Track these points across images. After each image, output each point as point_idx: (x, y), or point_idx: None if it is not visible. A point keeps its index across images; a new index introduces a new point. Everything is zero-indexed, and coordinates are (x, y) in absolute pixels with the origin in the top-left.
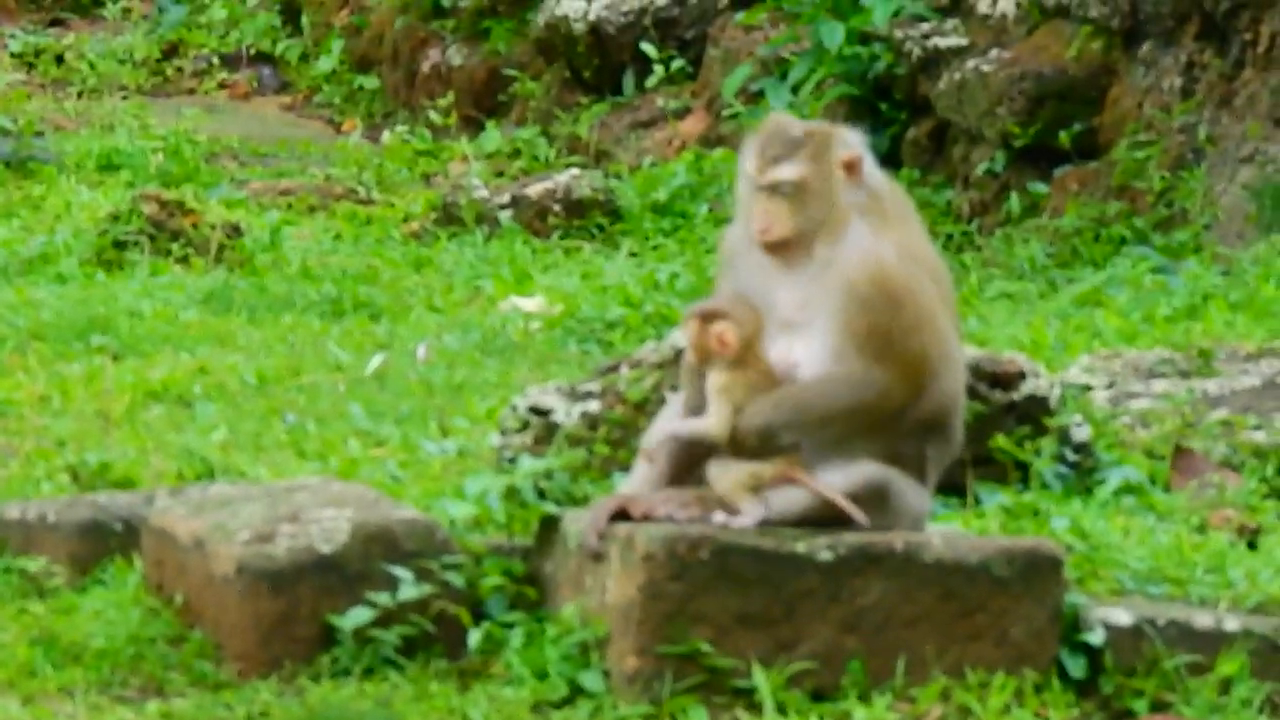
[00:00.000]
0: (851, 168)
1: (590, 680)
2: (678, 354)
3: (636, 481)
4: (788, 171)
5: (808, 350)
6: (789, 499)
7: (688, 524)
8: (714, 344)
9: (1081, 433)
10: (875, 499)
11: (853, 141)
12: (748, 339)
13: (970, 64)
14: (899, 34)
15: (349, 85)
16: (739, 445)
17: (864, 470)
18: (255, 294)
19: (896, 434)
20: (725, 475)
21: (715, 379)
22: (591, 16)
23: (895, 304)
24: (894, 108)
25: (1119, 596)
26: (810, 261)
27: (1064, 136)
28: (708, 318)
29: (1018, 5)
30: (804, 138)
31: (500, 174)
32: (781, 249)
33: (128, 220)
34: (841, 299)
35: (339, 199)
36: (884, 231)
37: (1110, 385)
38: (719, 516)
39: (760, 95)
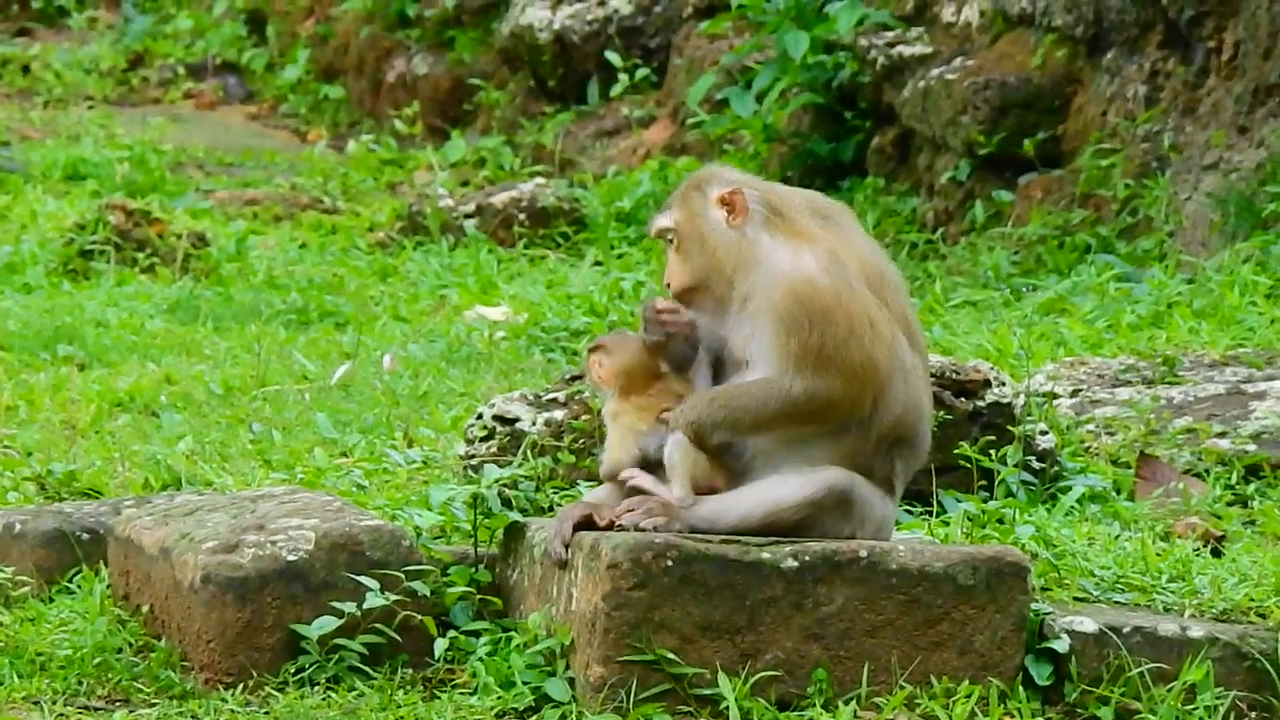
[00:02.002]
0: (730, 204)
1: (555, 689)
2: None
3: (602, 490)
4: (661, 221)
5: (758, 371)
6: (751, 506)
7: (652, 532)
8: (594, 374)
9: (1046, 440)
10: (838, 505)
11: (731, 178)
12: (623, 368)
13: (934, 72)
14: (863, 42)
15: (314, 95)
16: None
17: (827, 476)
18: (221, 303)
19: (863, 442)
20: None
21: (606, 407)
22: (556, 26)
23: (824, 317)
24: (858, 116)
25: (1084, 604)
26: (734, 299)
27: (1028, 145)
28: (592, 350)
29: (982, 14)
30: (681, 187)
31: (465, 183)
32: (694, 296)
33: (94, 230)
34: (770, 326)
35: (304, 208)
36: (804, 248)
37: (1075, 393)
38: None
39: (725, 104)
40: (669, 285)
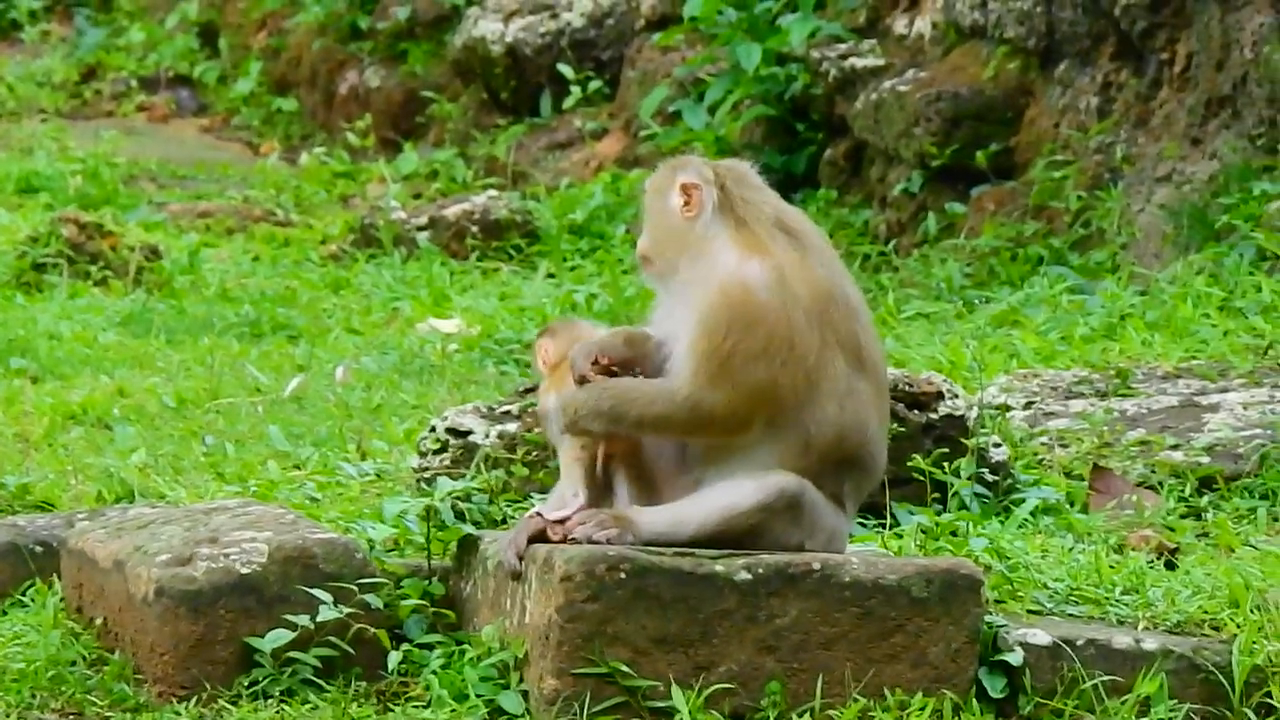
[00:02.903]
0: (687, 196)
1: (509, 701)
2: None
3: (555, 502)
4: (646, 184)
5: (673, 365)
6: (705, 514)
7: (606, 545)
8: (540, 359)
9: (999, 453)
10: (788, 509)
11: (694, 171)
12: (564, 348)
13: (887, 84)
14: (816, 55)
15: (267, 107)
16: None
17: (778, 480)
18: (174, 316)
19: (804, 461)
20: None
21: (542, 386)
22: (509, 38)
23: (745, 328)
24: (811, 128)
25: (1037, 616)
26: (675, 281)
27: (981, 156)
28: (540, 335)
29: (934, 26)
30: (668, 163)
31: (418, 195)
32: (647, 263)
33: (46, 243)
34: (694, 321)
35: (257, 221)
36: (753, 258)
37: (1028, 405)
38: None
39: (677, 116)
40: (637, 245)
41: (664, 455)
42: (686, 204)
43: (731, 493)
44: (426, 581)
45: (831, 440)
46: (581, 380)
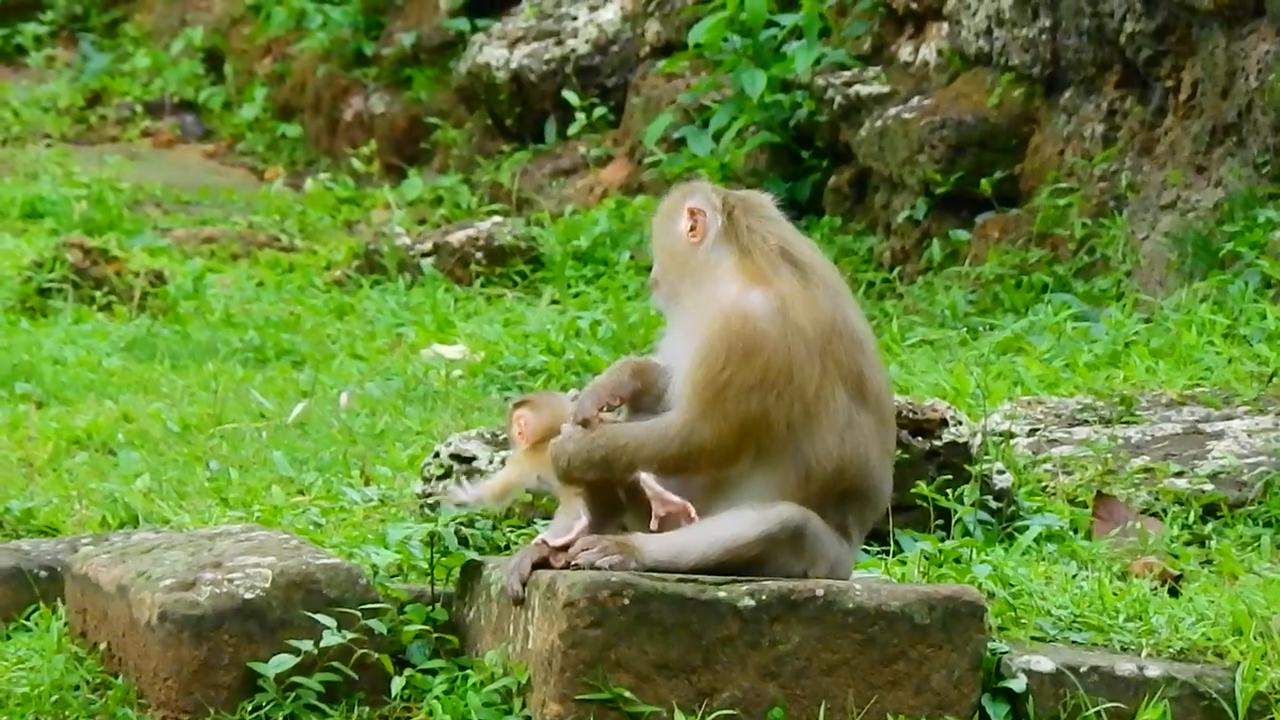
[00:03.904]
0: (693, 221)
1: None
2: None
3: (559, 529)
4: (654, 219)
5: (671, 394)
6: (709, 544)
7: (609, 571)
8: (516, 429)
9: (1003, 480)
10: (791, 540)
11: (701, 196)
12: (544, 429)
13: (891, 112)
14: (820, 82)
15: (272, 133)
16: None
17: (781, 511)
18: (178, 341)
19: (803, 492)
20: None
21: (513, 453)
22: (513, 65)
23: (743, 358)
24: (815, 155)
25: (1041, 643)
26: (680, 307)
27: (985, 184)
28: (518, 405)
29: (939, 53)
30: (673, 191)
31: (422, 221)
32: (655, 285)
33: (51, 268)
34: (693, 348)
35: (262, 246)
36: (755, 288)
37: (1032, 432)
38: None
39: (682, 143)
40: None
41: (667, 483)
42: (693, 229)
43: (735, 523)
44: (430, 607)
45: (831, 472)
46: (585, 423)
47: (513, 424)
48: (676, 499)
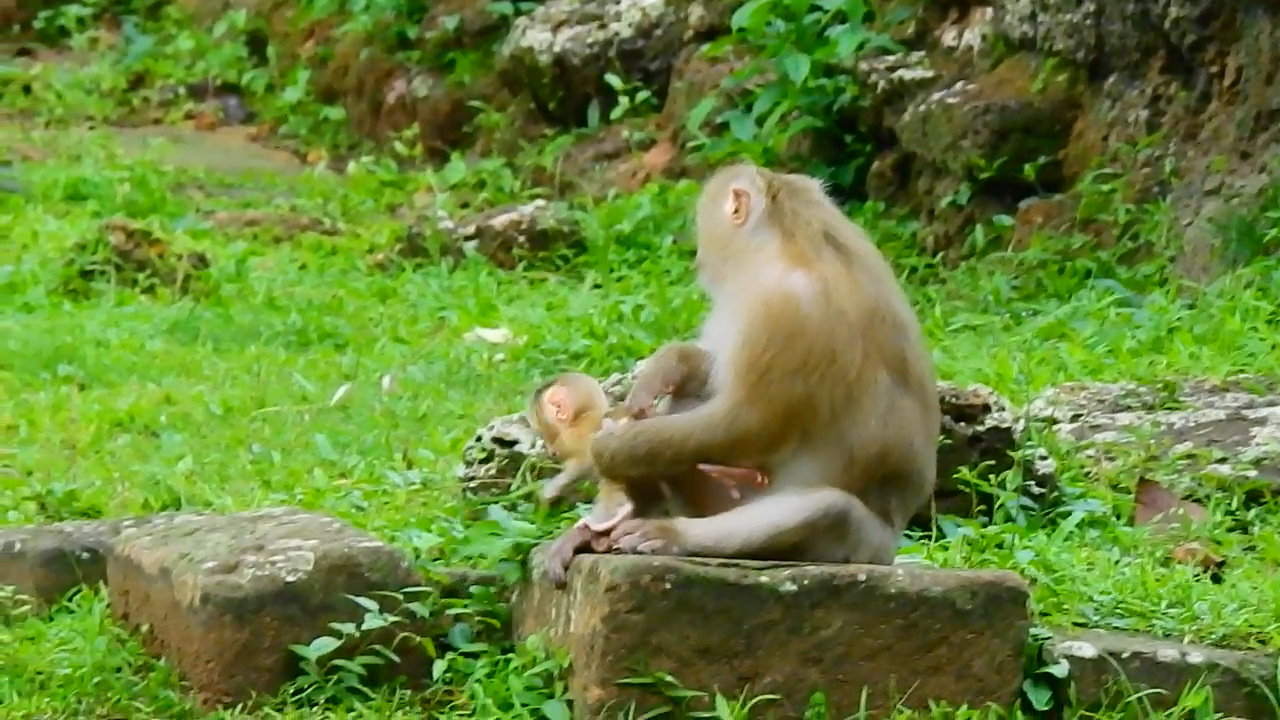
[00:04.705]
0: (738, 202)
1: (554, 711)
2: None
3: (601, 514)
4: (700, 202)
5: (715, 379)
6: (751, 530)
7: (651, 555)
8: (549, 411)
9: (1045, 465)
10: (834, 526)
11: (746, 178)
12: (580, 404)
13: (935, 96)
14: (864, 66)
15: (315, 116)
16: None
17: (825, 496)
18: (221, 324)
19: (846, 477)
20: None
21: (560, 445)
22: (556, 48)
23: (786, 340)
24: (859, 140)
25: (1083, 629)
26: (724, 289)
27: (1029, 169)
28: (542, 389)
29: (983, 38)
30: (718, 174)
31: (465, 205)
32: (700, 268)
33: (94, 250)
34: (736, 331)
35: (304, 230)
36: (798, 270)
37: (1075, 418)
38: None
39: (725, 127)
40: None
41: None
42: (736, 211)
43: (778, 509)
44: (472, 590)
45: (874, 457)
46: (640, 414)
47: (544, 409)
48: (739, 469)
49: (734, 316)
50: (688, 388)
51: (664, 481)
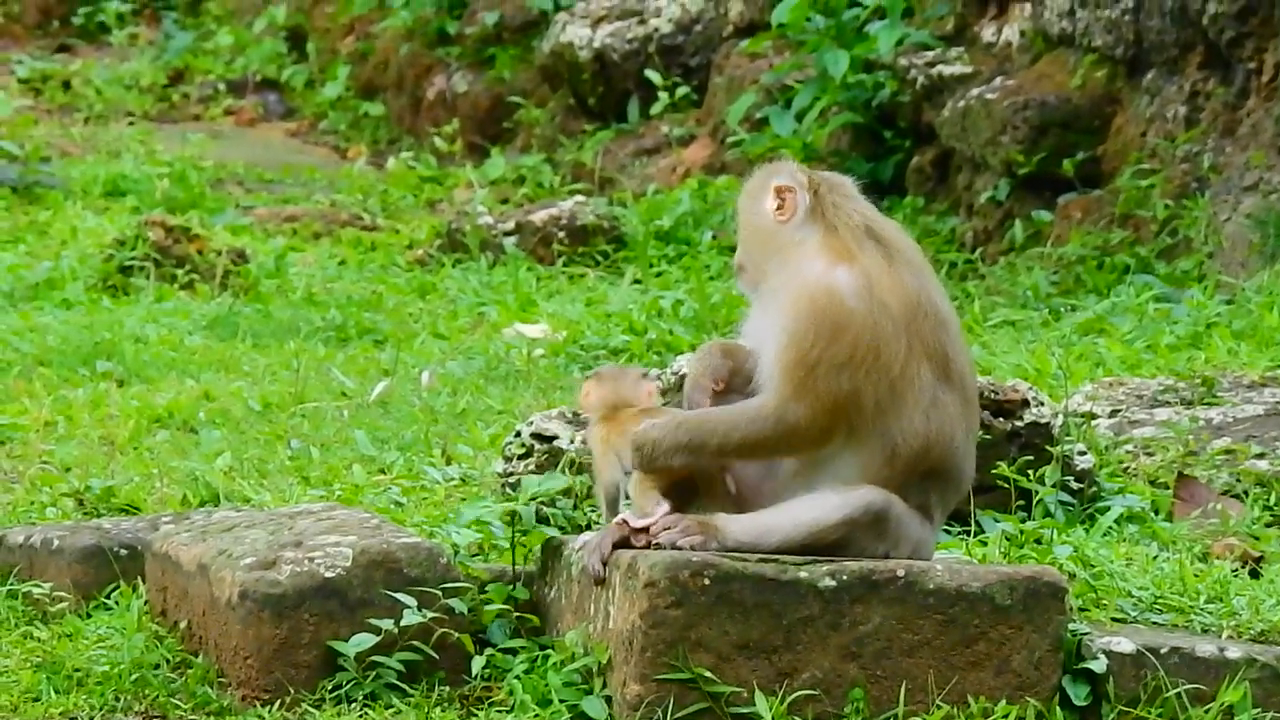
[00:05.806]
0: (781, 199)
1: (593, 707)
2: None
3: (640, 508)
4: (739, 200)
5: (760, 376)
6: (791, 528)
7: (690, 551)
8: (582, 399)
9: (1084, 461)
10: (874, 524)
11: (788, 174)
12: (608, 401)
13: (974, 92)
14: (903, 62)
15: (354, 112)
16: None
17: (864, 494)
18: (260, 320)
19: (889, 470)
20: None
21: (592, 431)
22: (596, 44)
23: (831, 335)
24: (898, 135)
25: (1121, 625)
26: (765, 287)
27: (1068, 165)
28: (588, 378)
29: (1022, 34)
30: (756, 172)
31: (505, 201)
32: (740, 274)
33: (133, 246)
34: (780, 328)
35: (344, 225)
36: (841, 264)
37: (1113, 413)
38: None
39: (765, 123)
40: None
41: (748, 464)
42: (779, 207)
43: (818, 506)
44: (510, 586)
45: (917, 451)
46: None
47: (582, 396)
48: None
49: (778, 312)
50: (732, 383)
51: (699, 479)
